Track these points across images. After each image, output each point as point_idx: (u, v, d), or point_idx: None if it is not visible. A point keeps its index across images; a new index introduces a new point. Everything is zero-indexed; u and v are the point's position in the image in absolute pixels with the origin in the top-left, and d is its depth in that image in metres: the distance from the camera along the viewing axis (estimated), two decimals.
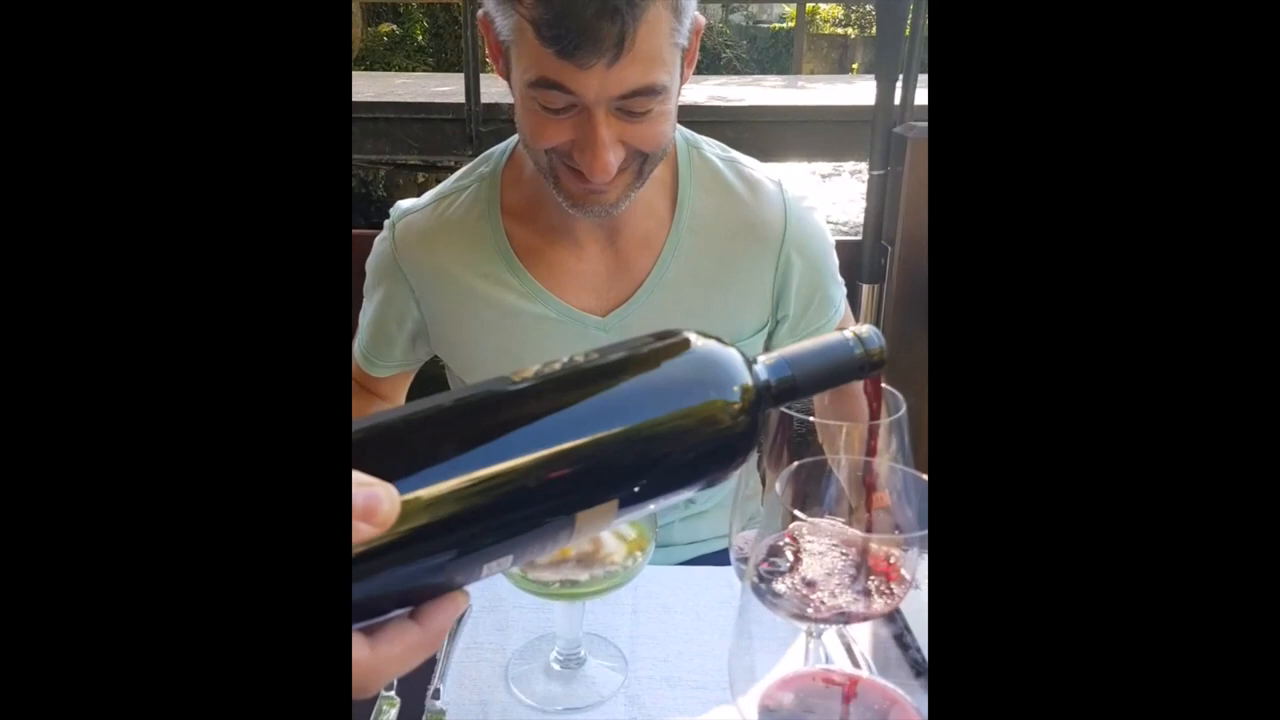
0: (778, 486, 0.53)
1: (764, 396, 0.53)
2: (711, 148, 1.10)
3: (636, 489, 0.49)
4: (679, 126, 1.08)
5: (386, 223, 1.09)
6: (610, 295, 1.05)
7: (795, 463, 0.56)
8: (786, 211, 1.07)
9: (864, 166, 2.04)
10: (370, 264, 1.10)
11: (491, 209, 1.05)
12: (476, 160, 1.10)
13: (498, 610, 0.88)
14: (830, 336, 0.57)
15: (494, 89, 4.68)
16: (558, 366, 0.49)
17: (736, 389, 0.51)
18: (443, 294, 1.06)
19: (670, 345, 0.52)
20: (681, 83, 0.95)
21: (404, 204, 1.10)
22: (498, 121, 4.59)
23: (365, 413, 1.19)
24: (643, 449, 0.48)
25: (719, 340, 0.53)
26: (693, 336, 0.53)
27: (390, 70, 8.87)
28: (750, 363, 0.53)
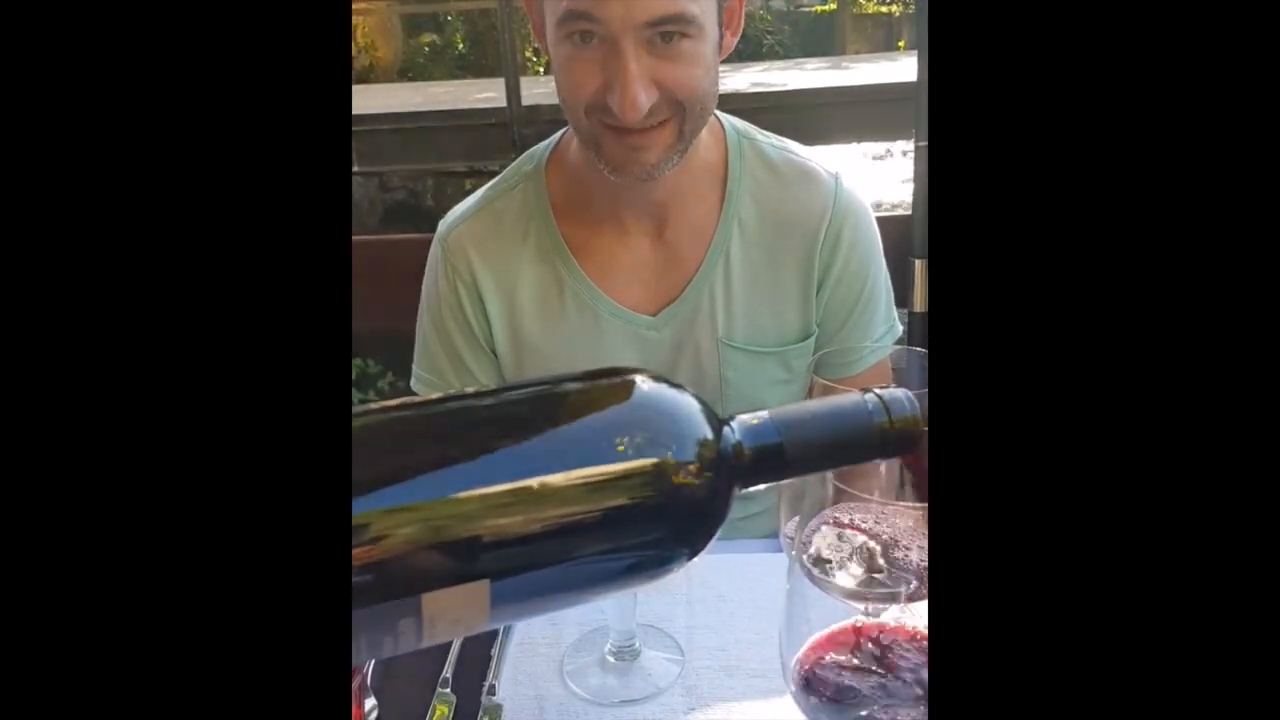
0: None
1: (731, 463, 0.40)
2: (766, 137, 1.07)
3: (530, 574, 0.36)
4: (730, 117, 1.07)
5: (436, 237, 1.08)
6: (660, 290, 1.03)
7: None
8: (835, 204, 1.03)
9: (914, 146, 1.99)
10: (426, 284, 1.09)
11: (540, 205, 1.04)
12: (519, 160, 1.10)
13: None
14: (842, 397, 0.43)
15: (535, 91, 4.70)
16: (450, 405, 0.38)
17: (692, 445, 0.38)
18: (499, 297, 1.04)
19: (603, 388, 0.40)
20: (723, 49, 0.93)
21: (450, 215, 1.09)
22: (540, 123, 4.61)
23: None
24: (549, 522, 0.36)
25: (674, 385, 0.41)
26: (640, 378, 0.40)
27: (432, 80, 8.98)
28: (724, 420, 0.41)
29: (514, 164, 1.10)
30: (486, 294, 1.04)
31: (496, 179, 1.09)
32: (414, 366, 1.12)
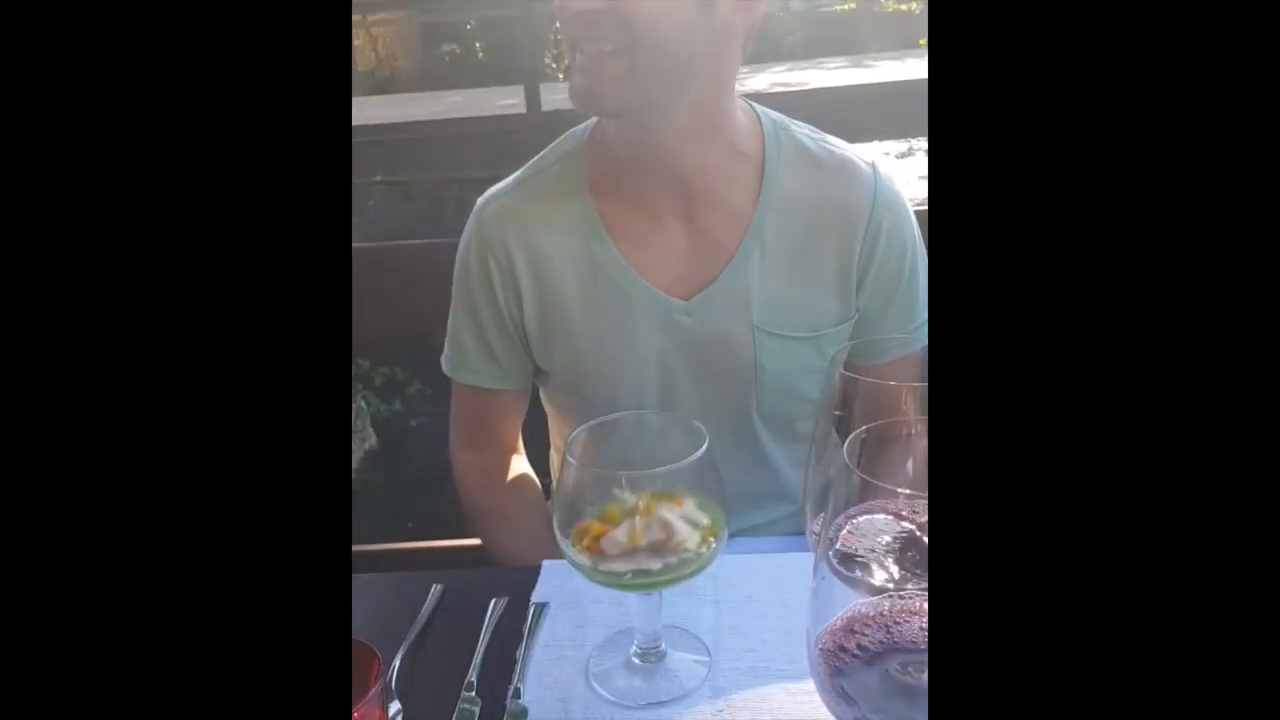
0: (845, 454, 0.50)
1: None
2: (801, 127, 1.08)
3: None
4: (764, 108, 1.07)
5: (473, 212, 1.09)
6: (694, 275, 1.03)
7: (864, 427, 0.53)
8: (876, 193, 1.03)
9: None
10: (459, 257, 1.10)
11: (578, 183, 1.04)
12: (560, 139, 1.10)
13: (575, 607, 0.87)
14: None
15: (555, 97, 4.70)
16: None
17: None
18: (532, 275, 1.04)
19: None
20: (725, 18, 0.92)
21: (489, 190, 1.10)
22: (560, 129, 4.62)
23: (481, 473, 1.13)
24: None
25: None
26: None
27: (453, 89, 9.02)
28: None
29: (554, 142, 1.11)
30: (519, 269, 1.04)
31: (536, 157, 1.10)
32: (445, 344, 1.13)
